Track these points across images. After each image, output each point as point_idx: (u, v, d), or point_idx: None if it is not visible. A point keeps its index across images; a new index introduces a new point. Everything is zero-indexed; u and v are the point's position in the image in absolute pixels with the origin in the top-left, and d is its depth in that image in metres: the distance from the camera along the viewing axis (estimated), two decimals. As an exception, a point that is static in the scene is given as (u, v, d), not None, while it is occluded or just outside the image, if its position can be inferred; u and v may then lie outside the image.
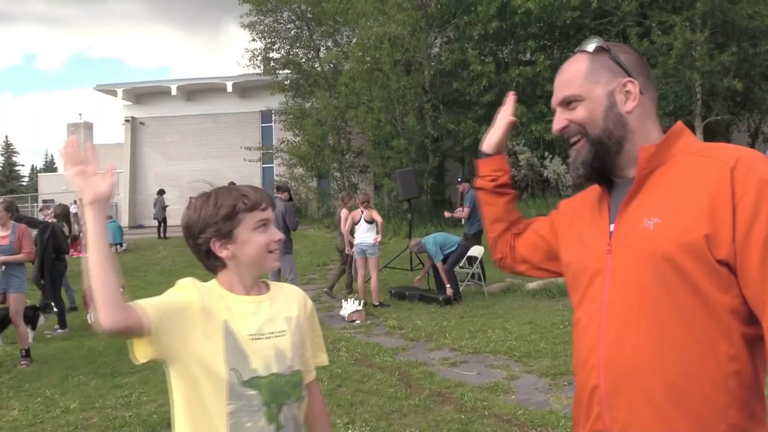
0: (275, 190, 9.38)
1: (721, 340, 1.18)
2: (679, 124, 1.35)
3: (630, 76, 1.33)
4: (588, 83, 1.34)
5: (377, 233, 9.34)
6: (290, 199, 9.68)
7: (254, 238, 1.55)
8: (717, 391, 1.17)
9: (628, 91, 1.33)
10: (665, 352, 1.19)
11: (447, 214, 11.98)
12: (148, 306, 1.42)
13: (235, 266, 1.57)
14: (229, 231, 1.54)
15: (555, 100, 1.41)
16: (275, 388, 1.52)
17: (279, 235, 1.59)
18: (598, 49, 1.36)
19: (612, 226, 1.33)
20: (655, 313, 1.21)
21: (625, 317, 1.24)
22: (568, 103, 1.37)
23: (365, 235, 9.27)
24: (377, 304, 9.21)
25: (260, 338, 1.53)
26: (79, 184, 1.41)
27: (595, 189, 1.46)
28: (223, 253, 1.55)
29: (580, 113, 1.35)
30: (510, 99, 1.71)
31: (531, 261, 1.68)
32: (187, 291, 1.51)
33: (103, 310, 1.34)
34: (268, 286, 1.65)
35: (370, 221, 9.31)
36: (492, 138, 1.72)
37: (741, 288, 1.17)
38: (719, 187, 1.17)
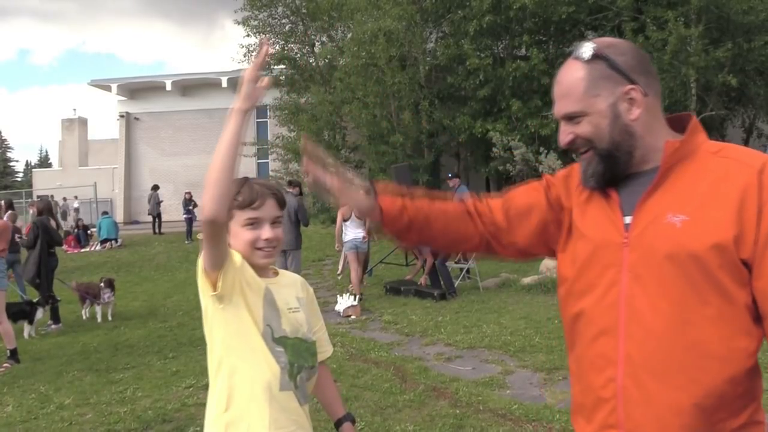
0: (287, 185, 9.37)
1: (742, 336, 1.20)
2: (695, 119, 1.32)
3: (631, 81, 1.27)
4: (588, 97, 1.28)
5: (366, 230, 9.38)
6: (301, 193, 9.60)
7: (241, 234, 1.68)
8: (734, 385, 1.19)
9: (631, 99, 1.27)
10: (691, 350, 1.19)
11: None
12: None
13: None
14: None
15: (557, 112, 1.35)
16: (298, 350, 1.69)
17: (267, 234, 1.68)
18: (594, 57, 1.28)
19: (628, 219, 1.28)
20: (683, 310, 1.20)
21: (651, 313, 1.22)
22: (571, 117, 1.32)
23: (357, 231, 9.29)
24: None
25: (290, 309, 1.72)
26: (246, 92, 1.48)
27: (578, 173, 1.40)
28: None
29: (585, 128, 1.30)
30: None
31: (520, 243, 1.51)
32: (235, 254, 1.64)
33: (217, 200, 1.43)
34: (276, 272, 1.81)
35: (360, 216, 9.32)
36: (360, 203, 1.50)
37: (752, 285, 1.19)
38: (747, 189, 1.19)
